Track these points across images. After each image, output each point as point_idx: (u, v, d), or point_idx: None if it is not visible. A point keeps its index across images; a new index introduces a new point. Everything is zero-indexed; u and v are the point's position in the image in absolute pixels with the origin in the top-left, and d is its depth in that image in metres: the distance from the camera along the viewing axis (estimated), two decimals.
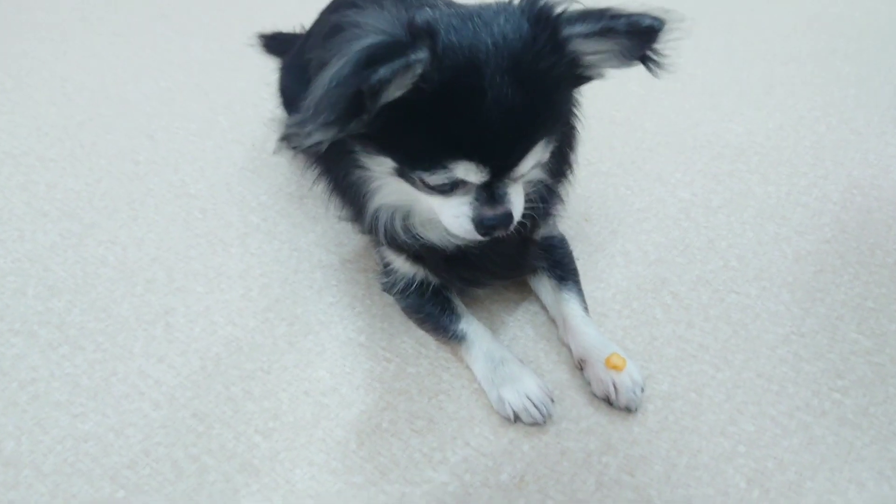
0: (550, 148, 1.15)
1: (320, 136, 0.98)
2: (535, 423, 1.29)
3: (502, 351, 1.36)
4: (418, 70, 0.97)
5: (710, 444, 1.26)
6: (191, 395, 1.35)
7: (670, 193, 1.81)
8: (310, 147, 1.03)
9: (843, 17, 2.64)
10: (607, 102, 2.10)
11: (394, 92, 0.98)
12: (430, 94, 0.99)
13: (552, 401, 1.31)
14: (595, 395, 1.33)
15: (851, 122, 2.05)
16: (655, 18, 1.03)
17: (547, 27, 1.04)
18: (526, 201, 1.29)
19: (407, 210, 1.28)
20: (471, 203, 1.13)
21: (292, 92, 1.74)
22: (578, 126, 1.29)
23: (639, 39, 1.05)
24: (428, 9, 1.10)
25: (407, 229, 1.29)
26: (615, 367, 1.31)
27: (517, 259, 1.43)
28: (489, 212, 1.13)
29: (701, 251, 1.64)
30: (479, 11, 1.07)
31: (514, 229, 1.34)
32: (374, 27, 0.98)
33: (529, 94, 1.03)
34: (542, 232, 1.45)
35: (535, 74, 1.04)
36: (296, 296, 1.55)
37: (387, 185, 1.22)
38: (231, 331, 1.47)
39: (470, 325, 1.40)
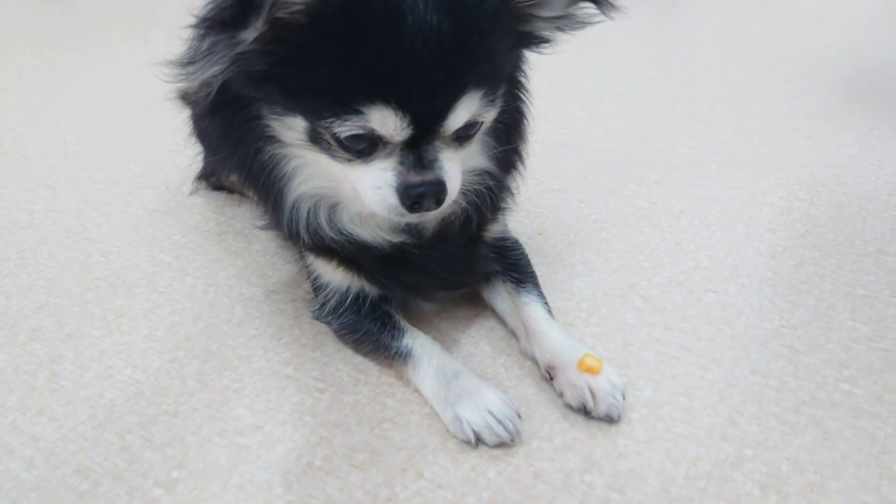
0: (490, 111, 0.98)
1: (212, 62, 0.83)
2: (501, 444, 1.06)
3: (455, 364, 1.15)
4: None
5: (711, 451, 1.05)
6: (75, 449, 1.09)
7: (627, 203, 1.66)
8: (206, 92, 0.86)
9: (778, 41, 2.64)
10: (550, 126, 1.99)
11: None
12: (337, 17, 0.83)
13: (519, 416, 1.09)
14: (570, 407, 1.12)
15: (803, 130, 1.97)
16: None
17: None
18: (472, 192, 1.12)
19: (332, 200, 1.09)
20: (394, 169, 0.94)
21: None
22: (528, 114, 1.14)
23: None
24: None
25: (333, 224, 1.10)
26: (590, 370, 1.11)
27: (466, 262, 1.23)
28: (415, 177, 0.94)
29: (668, 254, 1.48)
30: None
31: (460, 222, 1.16)
32: None
33: (458, 25, 0.87)
34: (494, 231, 1.27)
35: (465, 7, 0.89)
36: (210, 331, 1.31)
37: (303, 165, 1.04)
38: (130, 374, 1.23)
39: (416, 340, 1.18)
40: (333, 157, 0.96)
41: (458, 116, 0.92)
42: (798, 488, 0.99)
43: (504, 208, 1.25)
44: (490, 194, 1.15)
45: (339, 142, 0.93)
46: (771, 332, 1.26)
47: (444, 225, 1.15)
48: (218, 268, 1.49)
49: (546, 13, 0.98)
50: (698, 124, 2.03)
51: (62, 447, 1.10)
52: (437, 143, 0.95)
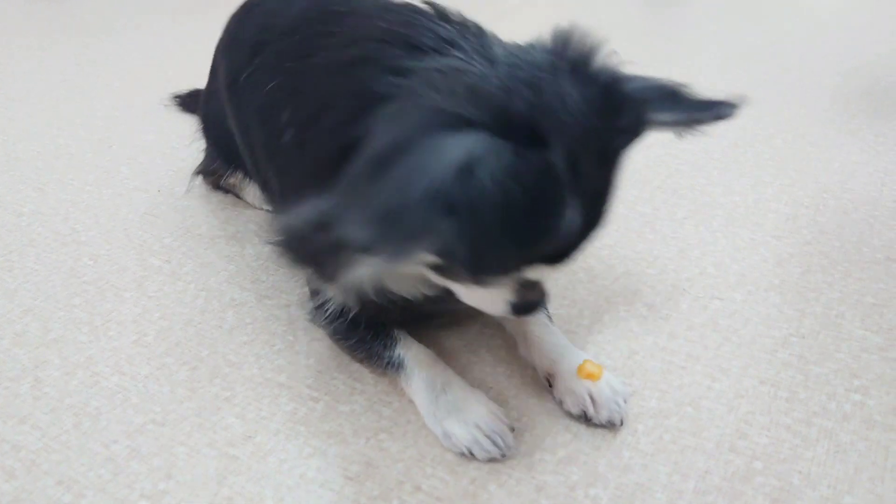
0: None
1: (383, 258, 0.70)
2: (492, 459, 1.02)
3: (445, 375, 1.10)
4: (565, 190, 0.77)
5: (720, 464, 1.02)
6: (58, 459, 1.05)
7: (629, 209, 1.62)
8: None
9: (781, 45, 2.61)
10: None
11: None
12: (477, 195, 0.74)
13: (512, 429, 1.05)
14: (570, 414, 1.08)
15: (807, 137, 1.94)
16: (732, 106, 0.92)
17: (630, 109, 0.85)
18: None
19: (388, 274, 1.02)
20: (513, 291, 0.94)
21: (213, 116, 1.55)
22: None
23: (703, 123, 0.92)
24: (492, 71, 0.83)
25: (378, 289, 1.03)
26: (590, 376, 1.07)
27: None
28: (532, 295, 0.96)
29: (672, 261, 1.44)
30: (550, 84, 0.81)
31: None
32: (455, 103, 0.76)
33: (607, 185, 0.85)
34: None
35: (613, 155, 0.85)
36: (201, 337, 1.27)
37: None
38: (117, 381, 1.18)
39: (408, 351, 1.14)
40: (448, 278, 0.93)
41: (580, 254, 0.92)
42: (811, 502, 0.95)
43: None
44: None
45: (474, 280, 0.91)
46: (779, 341, 1.23)
47: None
48: (209, 272, 1.44)
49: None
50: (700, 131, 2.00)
51: (44, 457, 1.05)
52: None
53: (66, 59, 2.59)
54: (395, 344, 1.15)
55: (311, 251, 0.77)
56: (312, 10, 1.16)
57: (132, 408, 1.13)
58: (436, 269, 0.90)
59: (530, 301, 0.97)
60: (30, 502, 0.99)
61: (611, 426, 1.06)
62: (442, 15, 0.95)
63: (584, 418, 1.07)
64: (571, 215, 0.79)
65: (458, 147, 0.71)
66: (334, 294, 1.13)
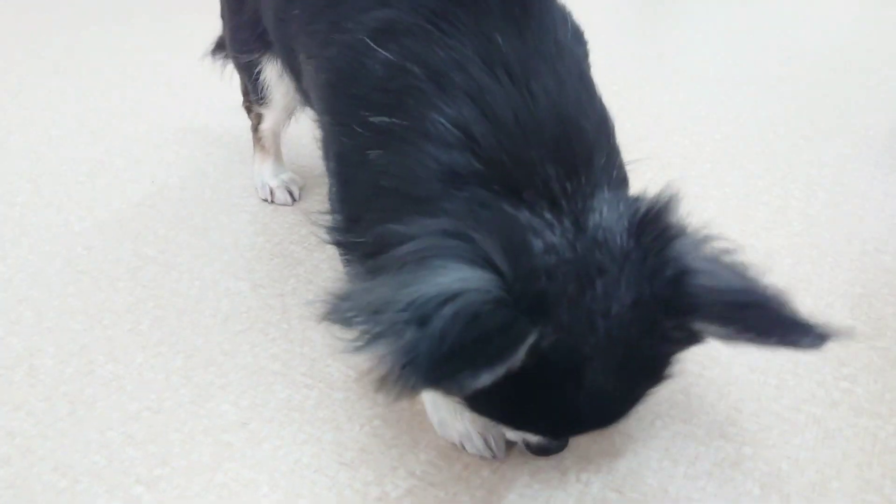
0: None
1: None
2: (480, 456, 1.03)
3: None
4: (518, 356, 0.72)
5: (710, 450, 1.03)
6: (53, 446, 1.05)
7: None
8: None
9: (772, 39, 2.63)
10: None
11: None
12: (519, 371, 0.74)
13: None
14: None
15: (800, 131, 1.95)
16: (821, 337, 0.75)
17: (685, 311, 0.78)
18: None
19: None
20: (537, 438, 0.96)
21: None
22: None
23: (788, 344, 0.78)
24: (534, 234, 0.79)
25: None
26: None
27: None
28: (552, 443, 0.99)
29: None
30: (599, 264, 0.78)
31: None
32: (495, 249, 0.75)
33: (633, 384, 0.84)
34: None
35: (648, 362, 0.83)
36: (195, 326, 1.28)
37: None
38: (112, 369, 1.19)
39: None
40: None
41: None
42: (799, 487, 0.97)
43: None
44: None
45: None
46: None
47: None
48: (204, 262, 1.45)
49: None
50: (693, 124, 2.01)
51: (39, 444, 1.06)
52: None
53: (59, 50, 2.59)
54: None
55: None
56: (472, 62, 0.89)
57: (127, 395, 1.14)
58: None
59: (543, 447, 0.99)
60: (25, 488, 0.99)
61: None
62: (569, 162, 0.84)
63: None
64: (566, 397, 0.80)
65: (463, 277, 0.72)
66: None
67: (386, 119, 0.89)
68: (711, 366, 1.17)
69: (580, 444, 1.04)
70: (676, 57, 2.53)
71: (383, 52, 0.91)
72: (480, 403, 0.86)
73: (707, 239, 0.83)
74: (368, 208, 0.93)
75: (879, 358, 1.18)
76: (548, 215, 0.81)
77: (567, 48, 0.94)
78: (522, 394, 0.79)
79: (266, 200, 1.64)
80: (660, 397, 1.10)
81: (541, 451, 1.00)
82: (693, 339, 0.82)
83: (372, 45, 0.92)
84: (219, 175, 1.75)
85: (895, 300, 1.31)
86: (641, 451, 1.03)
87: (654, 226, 0.81)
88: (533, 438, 0.96)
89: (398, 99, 0.89)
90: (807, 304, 1.30)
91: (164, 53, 2.55)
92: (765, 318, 0.76)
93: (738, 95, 2.22)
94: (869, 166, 1.77)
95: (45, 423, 1.09)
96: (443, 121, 0.85)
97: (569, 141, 0.85)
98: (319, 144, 1.11)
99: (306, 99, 1.26)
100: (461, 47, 0.88)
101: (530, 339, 0.72)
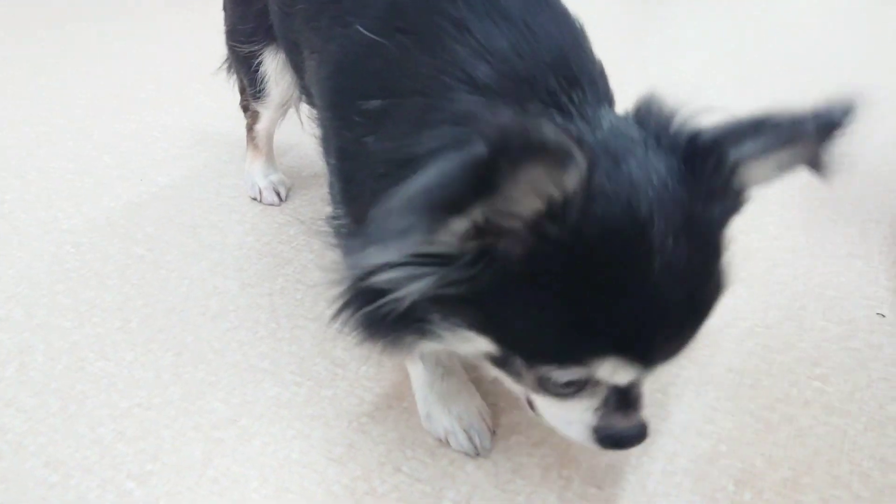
0: None
1: (391, 248, 0.61)
2: (463, 453, 1.06)
3: (450, 363, 1.11)
4: (570, 183, 0.63)
5: (687, 447, 1.07)
6: (44, 441, 1.07)
7: None
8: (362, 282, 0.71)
9: (761, 45, 2.68)
10: None
11: (523, 201, 0.63)
12: (566, 251, 0.67)
13: (493, 432, 1.08)
14: None
15: None
16: (845, 109, 0.73)
17: (710, 158, 0.74)
18: None
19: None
20: (597, 409, 0.82)
21: None
22: None
23: (820, 139, 0.74)
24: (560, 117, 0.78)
25: None
26: None
27: None
28: (622, 422, 0.82)
29: None
30: (624, 146, 0.74)
31: None
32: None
33: (705, 255, 0.74)
34: None
35: (708, 227, 0.74)
36: (185, 324, 1.30)
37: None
38: (103, 366, 1.20)
39: None
40: (518, 382, 0.83)
41: (677, 361, 0.79)
42: (772, 483, 1.01)
43: None
44: None
45: (543, 381, 0.79)
46: (745, 331, 1.28)
47: None
48: (192, 261, 1.46)
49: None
50: None
51: (31, 439, 1.07)
52: (644, 383, 0.83)
53: (46, 48, 2.58)
54: None
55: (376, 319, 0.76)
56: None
57: (117, 392, 1.16)
58: (495, 361, 0.81)
59: (619, 431, 0.83)
60: (17, 483, 1.01)
61: None
62: (571, 79, 0.83)
63: None
64: (638, 283, 0.69)
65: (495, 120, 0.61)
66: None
67: (379, 102, 0.90)
68: (689, 366, 1.21)
69: (561, 441, 1.07)
70: (663, 62, 2.57)
71: (377, 38, 0.91)
72: (539, 338, 0.73)
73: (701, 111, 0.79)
74: (373, 204, 0.91)
75: (850, 358, 1.22)
76: (559, 118, 0.79)
77: None
78: (583, 304, 0.69)
79: (255, 199, 1.65)
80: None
81: (615, 440, 0.85)
82: (739, 197, 0.77)
83: (365, 32, 0.93)
84: (208, 174, 1.77)
85: (866, 303, 1.35)
86: None
87: (654, 113, 0.79)
88: (605, 375, 0.76)
89: (396, 77, 0.89)
90: (781, 305, 1.35)
91: (152, 52, 2.55)
92: (777, 123, 0.74)
93: (719, 100, 2.26)
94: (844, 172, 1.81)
95: (37, 419, 1.11)
96: (446, 77, 0.84)
97: (568, 64, 0.84)
98: (320, 142, 1.12)
99: (308, 96, 1.27)
100: (459, 17, 0.87)
101: (580, 163, 0.63)
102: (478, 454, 1.05)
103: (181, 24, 2.80)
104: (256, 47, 1.42)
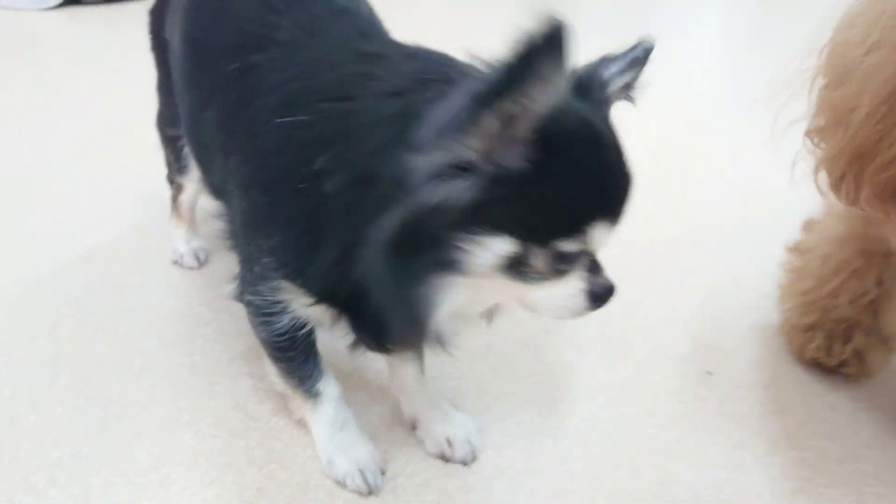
0: None
1: (439, 148, 0.82)
2: (359, 493, 1.25)
3: (345, 414, 1.31)
4: (562, 90, 0.84)
5: (545, 483, 1.29)
6: None
7: None
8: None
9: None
10: None
11: (543, 96, 0.81)
12: (557, 149, 0.87)
13: (382, 473, 1.28)
14: (431, 454, 1.33)
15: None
16: (647, 41, 1.04)
17: (593, 80, 0.99)
18: None
19: (457, 312, 1.05)
20: (584, 278, 0.99)
21: None
22: None
23: (641, 66, 1.05)
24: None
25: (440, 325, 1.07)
26: None
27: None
28: (601, 279, 1.01)
29: (521, 319, 1.73)
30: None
31: None
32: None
33: (618, 139, 0.98)
34: None
35: (609, 122, 0.99)
36: (111, 380, 1.44)
37: (458, 290, 0.98)
38: (35, 419, 1.34)
39: (327, 387, 1.29)
40: (524, 280, 0.96)
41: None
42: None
43: None
44: None
45: (548, 261, 0.93)
46: (597, 386, 1.53)
47: None
48: (118, 320, 1.61)
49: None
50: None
51: None
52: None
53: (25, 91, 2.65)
54: (321, 377, 1.28)
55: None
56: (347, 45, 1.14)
57: (49, 443, 1.29)
58: (510, 262, 0.92)
59: (603, 285, 1.01)
60: None
61: (463, 464, 1.31)
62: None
63: (443, 457, 1.32)
64: (600, 153, 0.92)
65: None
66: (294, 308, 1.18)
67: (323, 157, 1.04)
68: (550, 416, 1.44)
69: (441, 482, 1.27)
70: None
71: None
72: (549, 221, 0.90)
73: None
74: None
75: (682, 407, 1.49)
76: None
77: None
78: (575, 187, 0.89)
79: (177, 263, 1.81)
80: (507, 442, 1.36)
81: (603, 295, 1.01)
82: (610, 103, 1.03)
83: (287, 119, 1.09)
84: (133, 236, 1.92)
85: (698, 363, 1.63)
86: (490, 486, 1.27)
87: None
88: (594, 238, 0.93)
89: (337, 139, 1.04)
90: (630, 365, 1.61)
91: (76, 115, 2.67)
92: (629, 55, 1.03)
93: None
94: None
95: None
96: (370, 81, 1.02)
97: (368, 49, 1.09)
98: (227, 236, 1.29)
99: (216, 192, 1.37)
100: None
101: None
102: (370, 493, 1.25)
103: (106, 86, 2.93)
104: (181, 131, 1.54)
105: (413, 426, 1.37)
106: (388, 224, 0.91)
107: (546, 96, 0.82)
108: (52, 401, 1.38)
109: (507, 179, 0.86)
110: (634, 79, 1.05)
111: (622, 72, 1.03)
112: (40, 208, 2.01)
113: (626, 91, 1.05)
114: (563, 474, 1.31)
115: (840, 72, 1.10)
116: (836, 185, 1.17)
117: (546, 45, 0.74)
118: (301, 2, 1.22)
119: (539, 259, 0.93)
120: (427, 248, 0.93)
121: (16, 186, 2.12)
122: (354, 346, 1.19)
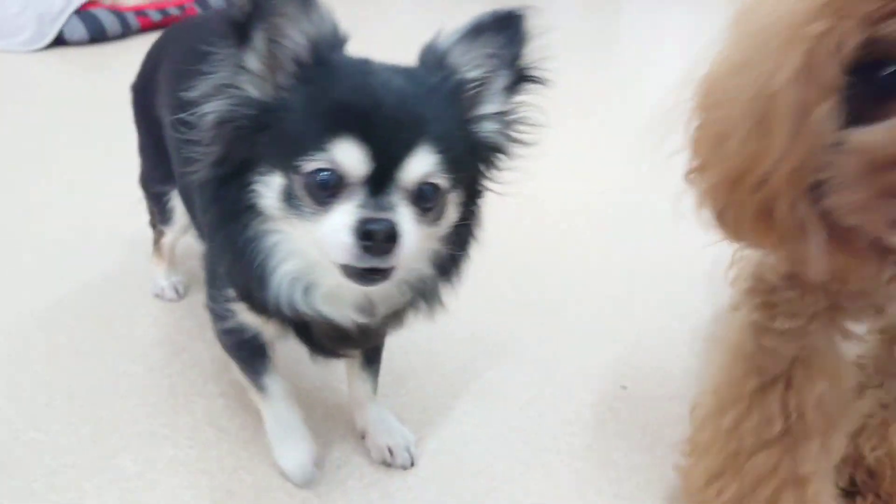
0: (447, 188, 1.06)
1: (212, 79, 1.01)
2: (294, 482, 1.47)
3: (290, 410, 1.49)
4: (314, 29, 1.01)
5: (472, 484, 1.52)
6: None
7: None
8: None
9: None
10: None
11: (293, 32, 1.00)
12: (313, 69, 1.02)
13: (316, 466, 1.49)
14: (375, 461, 1.56)
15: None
16: (514, 8, 1.06)
17: (429, 51, 1.10)
18: (413, 290, 1.19)
19: (307, 280, 1.13)
20: (353, 211, 0.99)
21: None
22: (476, 235, 1.23)
23: (507, 36, 1.07)
24: None
25: (308, 302, 1.14)
26: None
27: (379, 335, 1.45)
28: (370, 213, 0.99)
29: (463, 343, 1.96)
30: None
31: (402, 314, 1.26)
32: None
33: (419, 90, 1.05)
34: None
35: (427, 85, 1.06)
36: (100, 400, 1.66)
37: (282, 242, 1.09)
38: (34, 435, 1.55)
39: (275, 383, 1.46)
40: (302, 216, 1.02)
41: (414, 167, 1.00)
42: None
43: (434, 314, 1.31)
44: (425, 299, 1.25)
45: (307, 188, 1.00)
46: (527, 400, 1.77)
47: (393, 312, 1.24)
48: (106, 348, 1.83)
49: (488, 109, 1.12)
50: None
51: None
52: (396, 194, 1.02)
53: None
54: (269, 373, 1.46)
55: None
56: None
57: (48, 455, 1.51)
58: (283, 198, 1.03)
59: (369, 220, 0.98)
60: None
61: (403, 469, 1.54)
62: None
63: (385, 464, 1.55)
64: (360, 83, 1.02)
65: None
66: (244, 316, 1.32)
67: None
68: (483, 427, 1.67)
69: (384, 483, 1.50)
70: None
71: None
72: (296, 143, 1.01)
73: None
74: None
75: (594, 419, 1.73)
76: None
77: None
78: (323, 108, 1.01)
79: (158, 296, 2.03)
80: (443, 449, 1.59)
81: (368, 232, 0.98)
82: (454, 73, 1.09)
83: None
84: (119, 272, 2.14)
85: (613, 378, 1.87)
86: (427, 486, 1.50)
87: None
88: (341, 154, 0.99)
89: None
90: (555, 381, 1.84)
91: (68, 151, 2.89)
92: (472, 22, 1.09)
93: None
94: None
95: None
96: None
97: None
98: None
99: (201, 232, 1.54)
100: None
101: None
102: (306, 484, 1.46)
103: (95, 125, 3.15)
104: (166, 188, 1.76)
105: (363, 436, 1.60)
106: (201, 162, 1.08)
107: (295, 32, 1.00)
108: (49, 419, 1.60)
109: (270, 111, 1.02)
110: (518, 54, 1.09)
111: (461, 39, 1.08)
112: (32, 249, 2.23)
113: (513, 66, 1.10)
114: (489, 476, 1.54)
115: (712, 102, 1.09)
116: (721, 216, 1.14)
117: None
118: None
119: (300, 187, 1.01)
120: (234, 193, 1.07)
121: (12, 227, 2.33)
122: (312, 355, 1.35)
